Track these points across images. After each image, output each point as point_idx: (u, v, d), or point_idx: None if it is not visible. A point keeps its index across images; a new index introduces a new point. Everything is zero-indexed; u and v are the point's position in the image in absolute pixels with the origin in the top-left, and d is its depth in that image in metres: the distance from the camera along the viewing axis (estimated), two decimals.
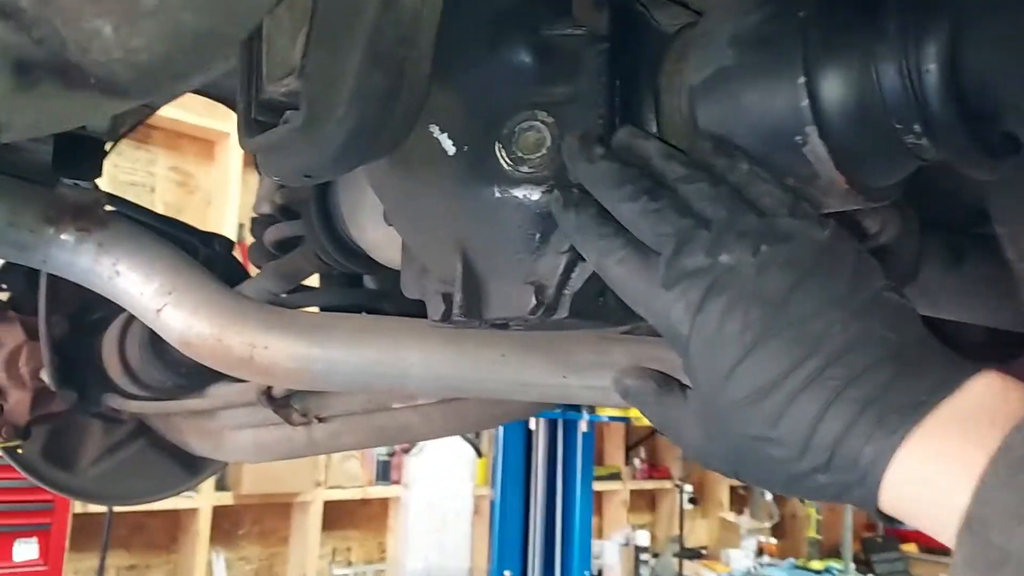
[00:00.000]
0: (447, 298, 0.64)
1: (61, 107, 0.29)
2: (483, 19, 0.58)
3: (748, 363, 0.44)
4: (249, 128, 0.57)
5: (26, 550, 2.88)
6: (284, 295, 1.12)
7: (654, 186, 0.50)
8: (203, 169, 3.97)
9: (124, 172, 3.74)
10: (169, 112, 3.46)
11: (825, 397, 0.42)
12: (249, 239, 1.16)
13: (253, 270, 1.22)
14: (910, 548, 6.14)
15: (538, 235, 0.59)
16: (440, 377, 0.90)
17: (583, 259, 0.58)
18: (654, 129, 0.59)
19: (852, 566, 5.80)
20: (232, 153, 3.84)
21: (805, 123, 0.50)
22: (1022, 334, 1.18)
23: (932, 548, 5.92)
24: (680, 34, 0.61)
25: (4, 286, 1.27)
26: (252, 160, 0.71)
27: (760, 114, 0.52)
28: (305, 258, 1.01)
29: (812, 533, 6.23)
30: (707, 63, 0.54)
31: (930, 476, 0.40)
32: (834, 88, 0.50)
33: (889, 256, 0.90)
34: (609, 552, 5.13)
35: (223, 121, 3.68)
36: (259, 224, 1.21)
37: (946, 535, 0.40)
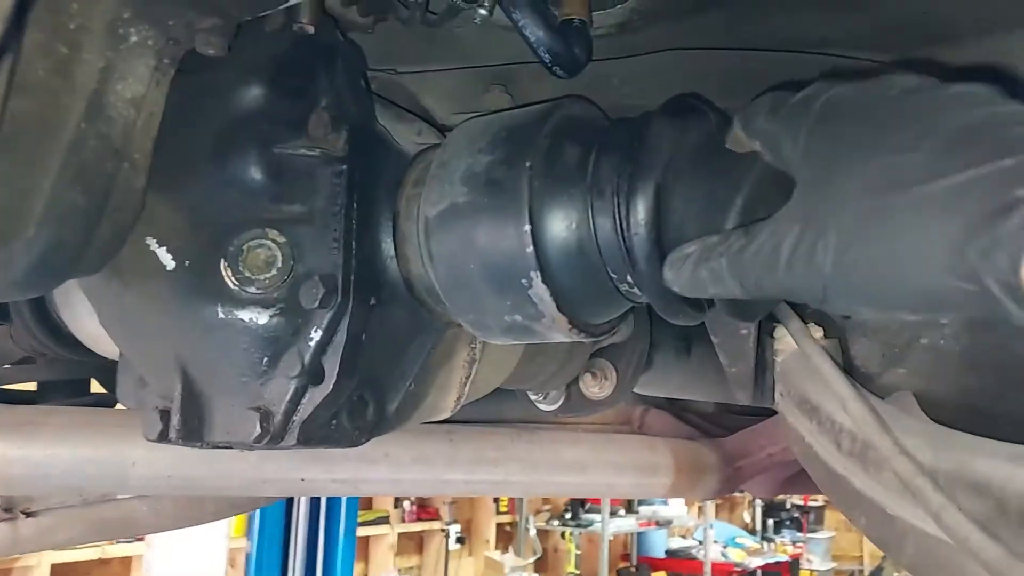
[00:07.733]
0: (164, 415, 0.59)
1: None
2: (211, 131, 0.55)
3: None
4: None
5: None
6: None
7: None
8: None
9: None
10: None
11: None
12: None
13: None
14: None
15: (266, 359, 0.56)
16: (168, 476, 0.82)
17: (314, 384, 0.56)
18: (391, 252, 0.59)
19: None
20: None
21: (530, 268, 0.52)
22: (743, 406, 1.33)
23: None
24: (420, 157, 0.61)
25: None
26: None
27: (489, 254, 0.53)
28: (13, 339, 0.89)
29: (571, 568, 6.50)
30: (442, 197, 0.55)
31: None
32: (557, 237, 0.52)
33: (623, 353, 0.97)
34: None
35: None
36: None
37: None
